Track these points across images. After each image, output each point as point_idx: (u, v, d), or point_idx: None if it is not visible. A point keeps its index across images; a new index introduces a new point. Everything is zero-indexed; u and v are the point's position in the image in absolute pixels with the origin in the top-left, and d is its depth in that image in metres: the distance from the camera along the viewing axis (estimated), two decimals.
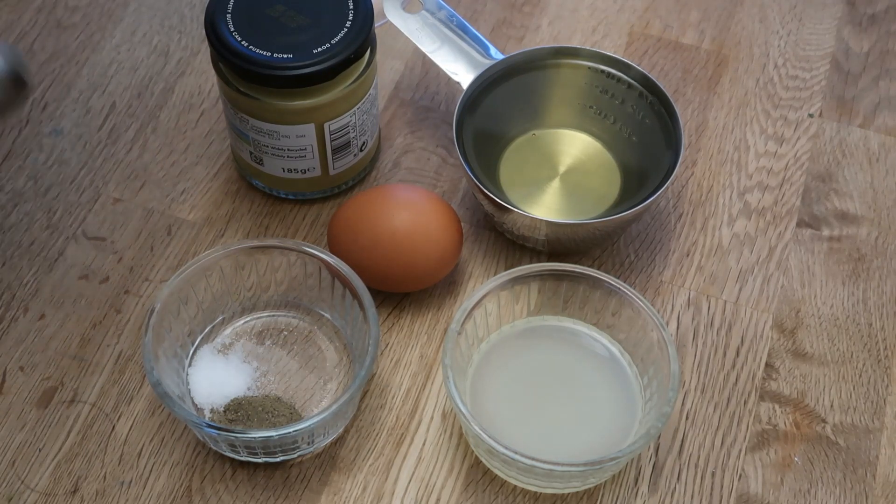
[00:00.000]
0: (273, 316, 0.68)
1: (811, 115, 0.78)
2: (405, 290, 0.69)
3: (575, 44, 0.81)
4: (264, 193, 0.73)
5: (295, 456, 0.63)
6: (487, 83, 0.72)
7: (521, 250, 0.71)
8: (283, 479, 0.63)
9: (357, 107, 0.68)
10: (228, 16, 0.66)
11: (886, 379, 0.67)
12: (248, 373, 0.65)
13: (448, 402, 0.65)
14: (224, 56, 0.65)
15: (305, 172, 0.70)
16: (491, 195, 0.67)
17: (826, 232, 0.73)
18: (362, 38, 0.66)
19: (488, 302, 0.64)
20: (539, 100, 0.74)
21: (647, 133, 0.72)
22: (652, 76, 0.71)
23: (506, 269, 0.69)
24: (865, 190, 0.74)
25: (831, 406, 0.66)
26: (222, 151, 0.76)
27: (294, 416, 0.63)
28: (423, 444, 0.64)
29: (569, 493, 0.62)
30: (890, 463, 0.64)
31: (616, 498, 0.63)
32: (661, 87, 0.71)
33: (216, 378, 0.64)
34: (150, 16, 0.82)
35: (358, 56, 0.66)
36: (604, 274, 0.64)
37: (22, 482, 0.62)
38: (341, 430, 0.64)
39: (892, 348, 0.68)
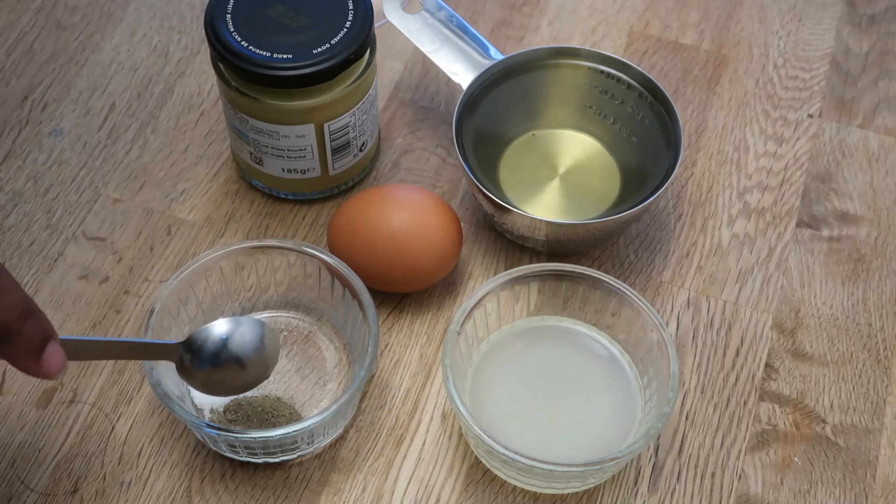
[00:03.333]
0: (273, 316, 0.68)
1: (811, 116, 0.78)
2: (405, 291, 0.69)
3: (574, 44, 0.81)
4: (264, 194, 0.73)
5: (295, 456, 0.63)
6: (487, 83, 0.72)
7: (521, 250, 0.71)
8: (283, 480, 0.63)
9: (357, 107, 0.68)
10: (228, 16, 0.66)
11: (886, 379, 0.67)
12: None
13: (448, 402, 0.65)
14: (224, 56, 0.65)
15: (305, 172, 0.70)
16: (491, 195, 0.67)
17: (826, 232, 0.73)
18: (362, 39, 0.66)
19: (488, 302, 0.64)
20: (539, 100, 0.74)
21: (647, 133, 0.72)
22: (651, 76, 0.71)
23: (505, 269, 0.69)
24: (865, 190, 0.74)
25: (831, 406, 0.66)
26: (222, 151, 0.76)
27: (294, 416, 0.63)
28: (423, 445, 0.64)
29: (569, 494, 0.62)
30: (890, 463, 0.64)
31: (616, 498, 0.63)
32: (661, 87, 0.71)
33: None
34: (150, 16, 0.82)
35: (358, 56, 0.66)
36: (603, 274, 0.64)
37: (22, 482, 0.62)
38: (341, 430, 0.64)
39: (892, 348, 0.68)
